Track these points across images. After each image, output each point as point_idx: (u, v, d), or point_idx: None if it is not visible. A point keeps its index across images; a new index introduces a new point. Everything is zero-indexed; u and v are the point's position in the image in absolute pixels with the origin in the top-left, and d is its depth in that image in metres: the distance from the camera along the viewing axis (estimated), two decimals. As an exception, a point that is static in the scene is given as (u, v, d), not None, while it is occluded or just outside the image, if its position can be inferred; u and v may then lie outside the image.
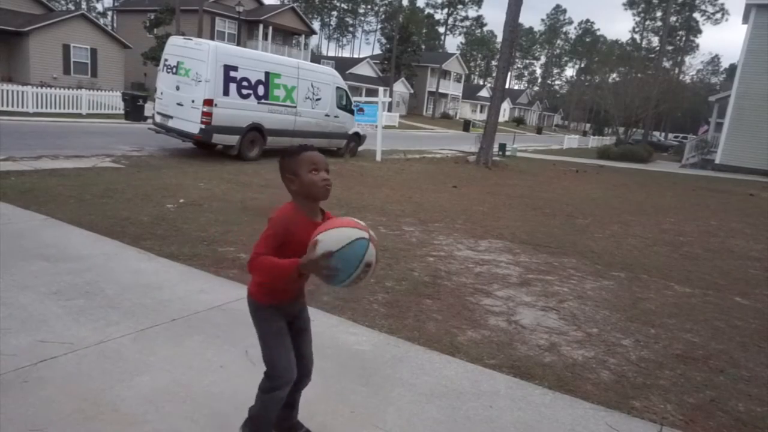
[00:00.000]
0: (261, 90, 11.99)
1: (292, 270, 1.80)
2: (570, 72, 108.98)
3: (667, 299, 4.77)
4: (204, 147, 11.93)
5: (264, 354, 2.06)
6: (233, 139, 11.56)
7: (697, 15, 66.89)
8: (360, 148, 15.77)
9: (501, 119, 25.38)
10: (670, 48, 60.56)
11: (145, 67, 32.66)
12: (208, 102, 10.87)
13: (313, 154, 1.95)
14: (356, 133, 15.28)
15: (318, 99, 13.48)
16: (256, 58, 12.28)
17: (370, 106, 16.00)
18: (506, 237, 6.69)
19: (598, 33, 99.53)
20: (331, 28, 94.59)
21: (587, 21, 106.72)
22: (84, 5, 73.80)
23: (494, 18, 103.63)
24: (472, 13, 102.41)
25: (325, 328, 3.46)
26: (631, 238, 7.45)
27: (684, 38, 67.33)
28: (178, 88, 11.38)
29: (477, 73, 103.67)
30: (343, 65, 46.54)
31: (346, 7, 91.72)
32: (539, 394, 2.87)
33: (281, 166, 2.01)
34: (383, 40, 64.47)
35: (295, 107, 12.87)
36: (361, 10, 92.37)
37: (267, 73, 12.07)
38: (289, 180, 1.97)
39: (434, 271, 4.88)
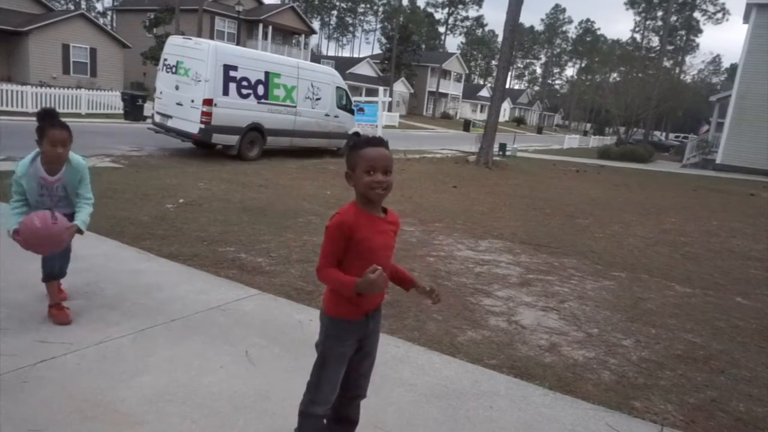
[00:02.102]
0: (261, 90, 11.98)
1: (351, 287, 1.76)
2: (570, 72, 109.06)
3: (667, 299, 4.76)
4: (204, 147, 11.93)
5: (313, 371, 2.00)
6: (233, 139, 11.55)
7: (697, 15, 66.83)
8: (360, 148, 15.75)
9: (501, 119, 25.38)
10: (670, 48, 60.55)
11: (144, 67, 32.64)
12: (208, 102, 10.86)
13: (375, 152, 1.80)
14: (356, 133, 15.26)
15: (318, 99, 13.48)
16: (256, 58, 12.28)
17: (370, 105, 15.99)
18: (506, 237, 6.69)
19: (599, 33, 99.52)
20: (330, 27, 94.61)
21: (587, 20, 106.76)
22: (83, 5, 73.79)
23: (494, 18, 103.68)
24: (472, 12, 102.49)
25: (325, 328, 3.45)
26: (631, 238, 7.45)
27: (684, 38, 67.30)
28: (177, 88, 11.37)
29: (477, 72, 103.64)
30: (343, 65, 46.54)
31: (345, 7, 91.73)
32: (539, 394, 2.86)
33: (345, 156, 1.91)
34: (383, 40, 64.48)
35: (295, 107, 12.86)
36: (361, 10, 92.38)
37: (267, 73, 12.06)
38: (347, 174, 1.90)
39: (434, 272, 4.88)
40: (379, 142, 1.84)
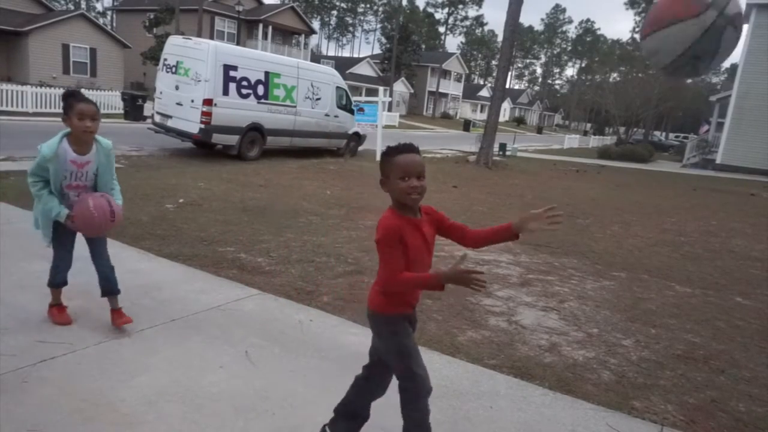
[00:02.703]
0: (261, 90, 11.98)
1: (434, 282, 1.79)
2: (570, 72, 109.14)
3: (667, 299, 4.76)
4: (204, 147, 11.93)
5: (402, 367, 2.01)
6: (233, 139, 11.55)
7: (697, 15, 66.83)
8: (360, 148, 15.77)
9: (501, 119, 25.38)
10: (670, 48, 60.42)
11: (144, 67, 32.64)
12: (208, 102, 10.86)
13: (407, 159, 1.88)
14: (356, 133, 15.27)
15: (318, 99, 13.47)
16: (256, 58, 12.28)
17: (370, 105, 15.97)
18: (506, 237, 6.68)
19: (599, 32, 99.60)
20: (330, 27, 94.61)
21: (587, 20, 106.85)
22: (83, 5, 73.78)
23: (494, 18, 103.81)
24: (472, 12, 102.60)
25: (326, 328, 3.45)
26: (631, 238, 7.45)
27: (684, 38, 67.22)
28: (177, 88, 11.37)
29: (477, 72, 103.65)
30: (343, 65, 46.53)
31: (345, 7, 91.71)
32: (540, 394, 2.86)
33: (380, 161, 1.98)
34: (383, 40, 64.49)
35: (295, 107, 12.86)
36: (361, 10, 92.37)
37: (267, 73, 12.06)
38: (381, 180, 1.98)
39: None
40: (411, 148, 1.91)
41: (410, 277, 1.85)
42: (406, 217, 1.92)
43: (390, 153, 1.92)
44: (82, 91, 14.95)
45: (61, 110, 2.89)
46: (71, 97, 2.75)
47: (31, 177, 2.82)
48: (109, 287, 3.13)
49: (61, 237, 3.01)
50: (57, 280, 3.11)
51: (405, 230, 1.89)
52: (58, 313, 3.12)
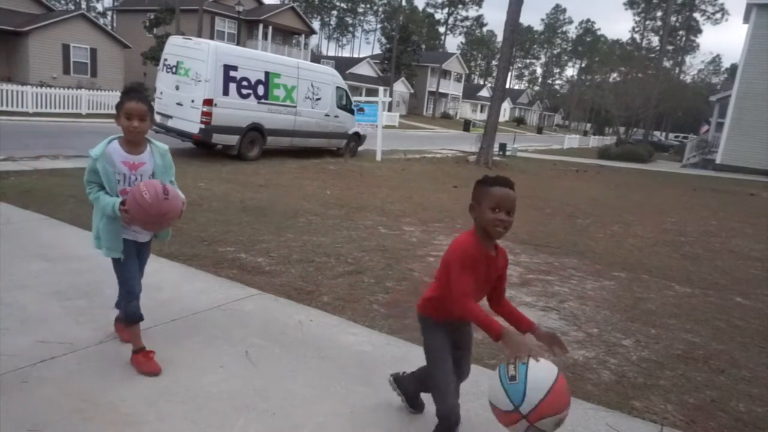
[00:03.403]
0: (261, 90, 11.99)
1: (495, 333, 1.86)
2: (570, 72, 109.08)
3: (667, 299, 4.76)
4: (204, 147, 11.93)
5: (428, 368, 2.20)
6: (233, 139, 11.55)
7: (697, 15, 66.90)
8: (360, 148, 15.77)
9: (501, 119, 25.39)
10: (670, 48, 60.52)
11: (144, 67, 32.63)
12: (208, 102, 10.86)
13: (503, 192, 1.94)
14: (356, 133, 15.27)
15: (318, 99, 13.48)
16: (256, 58, 12.28)
17: (370, 105, 15.98)
18: (506, 237, 6.67)
19: (599, 33, 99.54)
20: (330, 27, 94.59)
21: (587, 21, 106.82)
22: (84, 5, 73.75)
23: (494, 18, 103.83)
24: (472, 12, 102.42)
25: (325, 328, 3.45)
26: (631, 238, 7.45)
27: (684, 38, 67.31)
28: (177, 88, 11.37)
29: (477, 73, 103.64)
30: (343, 65, 46.53)
31: (345, 7, 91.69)
32: (540, 394, 2.86)
33: (474, 187, 2.05)
34: (383, 40, 64.46)
35: (295, 107, 12.86)
36: (361, 10, 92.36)
37: (267, 73, 12.06)
38: (471, 205, 2.04)
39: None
40: (508, 182, 1.98)
41: (476, 311, 1.89)
42: (483, 249, 2.02)
43: (487, 182, 2.00)
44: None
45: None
46: (123, 95, 2.58)
47: (86, 186, 2.61)
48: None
49: (117, 262, 2.71)
50: (131, 312, 2.66)
51: (478, 261, 1.99)
52: (144, 360, 2.67)
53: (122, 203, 2.49)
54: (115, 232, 2.65)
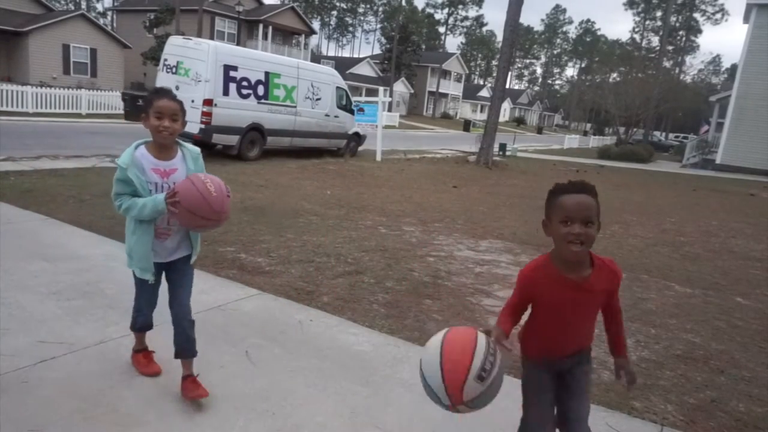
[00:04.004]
0: (261, 90, 11.99)
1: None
2: (570, 72, 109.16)
3: (667, 299, 4.76)
4: (204, 147, 11.87)
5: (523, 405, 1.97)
6: (233, 139, 11.56)
7: (697, 15, 66.96)
8: (360, 148, 15.77)
9: (501, 119, 25.38)
10: (670, 48, 60.57)
11: (144, 67, 32.63)
12: (208, 102, 10.87)
13: (574, 200, 1.63)
14: (356, 133, 15.27)
15: (318, 99, 13.48)
16: (256, 58, 12.28)
17: (370, 105, 15.99)
18: (507, 237, 6.69)
19: (599, 33, 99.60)
20: (330, 27, 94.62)
21: (587, 21, 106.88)
22: (84, 5, 73.78)
23: (494, 18, 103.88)
24: (472, 13, 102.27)
25: (325, 328, 3.45)
26: (631, 238, 7.45)
27: (684, 38, 67.35)
28: (177, 88, 11.33)
29: (477, 73, 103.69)
30: (343, 65, 46.54)
31: (345, 7, 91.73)
32: (540, 394, 2.86)
33: (546, 201, 1.75)
34: (383, 40, 64.50)
35: (295, 107, 12.87)
36: (361, 10, 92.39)
37: (267, 73, 12.07)
38: (543, 222, 1.74)
39: (434, 272, 4.88)
40: (581, 188, 1.67)
41: (500, 316, 1.79)
42: (555, 271, 1.69)
43: (556, 191, 1.68)
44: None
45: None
46: (153, 94, 2.38)
47: (115, 199, 2.33)
48: (186, 347, 2.55)
49: (137, 280, 2.59)
50: (139, 323, 2.67)
51: (544, 282, 1.70)
52: (144, 361, 2.70)
53: (170, 195, 2.21)
54: (147, 250, 2.42)
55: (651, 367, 3.34)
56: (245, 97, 11.66)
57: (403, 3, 73.51)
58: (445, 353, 1.56)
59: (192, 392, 2.47)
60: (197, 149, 2.52)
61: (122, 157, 2.30)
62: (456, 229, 6.90)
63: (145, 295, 2.62)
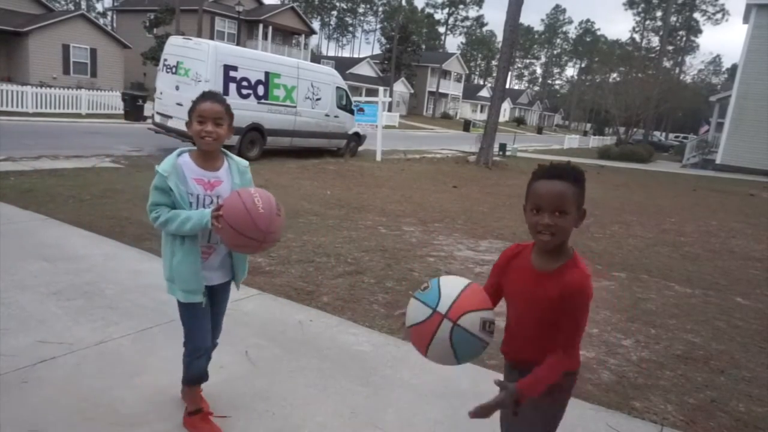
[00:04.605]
0: (261, 90, 11.99)
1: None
2: (570, 72, 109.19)
3: (667, 300, 4.76)
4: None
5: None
6: (233, 139, 11.54)
7: (697, 15, 66.95)
8: (360, 148, 15.77)
9: (501, 119, 25.39)
10: (670, 48, 60.56)
11: (144, 67, 32.63)
12: (208, 102, 10.85)
13: (546, 187, 1.49)
14: (356, 133, 15.27)
15: (318, 99, 13.48)
16: (256, 58, 12.28)
17: (370, 105, 15.99)
18: (507, 237, 6.69)
19: (599, 33, 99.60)
20: (330, 27, 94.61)
21: (587, 21, 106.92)
22: (84, 5, 73.77)
23: (494, 18, 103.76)
24: (472, 13, 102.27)
25: (325, 328, 3.45)
26: (631, 238, 7.45)
27: (684, 38, 67.35)
28: (177, 88, 11.37)
29: (477, 73, 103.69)
30: (343, 65, 46.53)
31: (345, 7, 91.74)
32: (540, 394, 2.86)
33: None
34: (383, 40, 64.48)
35: (295, 107, 12.87)
36: (361, 10, 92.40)
37: (267, 73, 12.07)
38: (524, 206, 1.60)
39: (434, 272, 4.87)
40: (558, 173, 1.50)
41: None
42: (527, 260, 1.61)
43: (533, 175, 1.55)
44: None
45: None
46: (198, 97, 2.20)
47: (151, 210, 2.08)
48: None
49: (191, 305, 2.18)
50: (192, 371, 2.24)
51: (515, 269, 1.63)
52: (202, 425, 2.26)
53: (217, 209, 1.97)
54: (195, 270, 2.12)
55: (651, 367, 3.34)
56: (245, 97, 11.66)
57: (403, 3, 73.51)
58: (469, 288, 1.56)
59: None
60: (245, 162, 2.29)
61: (163, 164, 2.09)
62: (456, 229, 6.90)
63: (200, 324, 2.20)
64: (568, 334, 1.53)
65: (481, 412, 1.52)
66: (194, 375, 2.24)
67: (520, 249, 1.67)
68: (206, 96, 2.17)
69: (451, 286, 1.55)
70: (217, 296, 2.28)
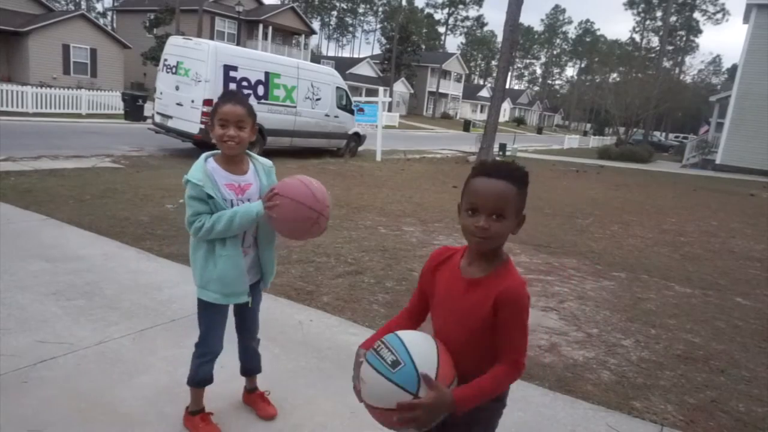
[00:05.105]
0: (261, 90, 11.99)
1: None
2: (570, 72, 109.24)
3: (667, 299, 4.76)
4: (204, 147, 11.90)
5: None
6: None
7: (697, 15, 66.97)
8: (360, 148, 15.77)
9: (501, 119, 25.38)
10: (670, 48, 60.57)
11: (144, 67, 32.66)
12: (208, 102, 10.85)
13: (483, 185, 1.36)
14: (356, 133, 15.27)
15: (318, 99, 13.48)
16: (256, 58, 12.29)
17: (370, 106, 15.99)
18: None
19: (598, 33, 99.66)
20: (330, 28, 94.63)
21: (587, 21, 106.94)
22: (84, 5, 73.79)
23: (494, 18, 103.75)
24: (472, 12, 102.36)
25: (325, 328, 3.45)
26: (631, 238, 7.45)
27: (684, 38, 67.37)
28: (177, 88, 11.37)
29: (477, 73, 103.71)
30: (343, 65, 46.54)
31: (345, 7, 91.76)
32: (539, 394, 2.86)
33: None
34: (383, 40, 64.55)
35: (295, 107, 12.87)
36: (361, 10, 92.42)
37: (267, 73, 12.07)
38: (458, 206, 1.45)
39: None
40: (501, 171, 1.36)
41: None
42: (456, 264, 1.45)
43: (472, 171, 1.41)
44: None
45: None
46: (219, 99, 2.13)
47: (194, 221, 2.04)
48: (257, 365, 2.52)
49: (212, 309, 2.19)
50: (201, 374, 2.25)
51: (444, 273, 1.49)
52: (203, 425, 2.26)
53: (269, 196, 2.00)
54: (240, 272, 2.13)
55: (651, 367, 3.34)
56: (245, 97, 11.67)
57: (403, 3, 73.50)
58: (440, 349, 1.37)
59: (264, 411, 2.44)
60: (270, 162, 2.30)
61: (193, 173, 2.05)
62: (456, 229, 6.90)
63: (218, 328, 2.23)
64: (513, 344, 1.39)
65: (407, 407, 1.26)
66: (201, 377, 2.26)
67: (450, 253, 1.51)
68: (228, 98, 2.10)
69: (425, 355, 1.32)
70: (253, 296, 2.31)
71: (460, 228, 1.40)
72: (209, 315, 2.19)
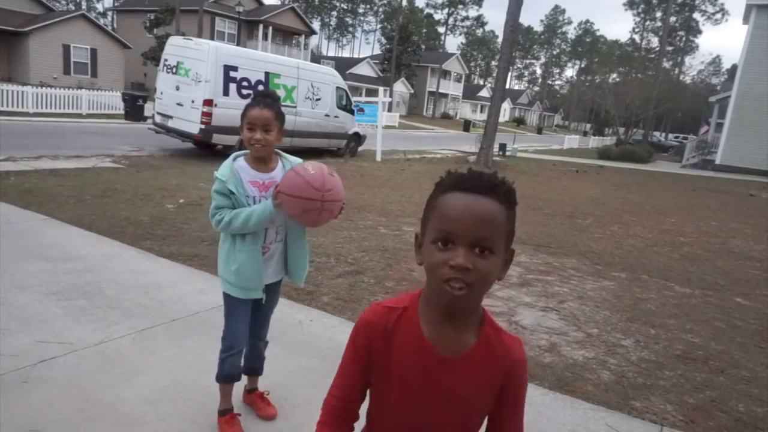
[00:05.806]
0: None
1: None
2: (570, 72, 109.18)
3: (667, 300, 4.77)
4: (204, 147, 11.93)
5: None
6: (233, 140, 11.52)
7: (697, 15, 67.01)
8: (360, 148, 15.77)
9: (501, 119, 25.39)
10: (670, 48, 60.57)
11: (145, 67, 32.65)
12: (208, 102, 10.87)
13: (460, 203, 0.90)
14: (356, 133, 15.27)
15: (318, 99, 13.48)
16: (256, 58, 12.29)
17: (370, 106, 15.99)
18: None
19: (598, 33, 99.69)
20: (331, 28, 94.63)
21: (587, 21, 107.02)
22: (84, 5, 73.81)
23: (494, 18, 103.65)
24: (472, 12, 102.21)
25: (325, 328, 3.46)
26: (631, 238, 7.45)
27: (684, 39, 67.39)
28: (178, 88, 11.37)
29: (477, 73, 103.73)
30: (343, 65, 46.53)
31: (345, 7, 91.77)
32: (539, 394, 2.86)
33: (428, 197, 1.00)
34: (383, 40, 64.54)
35: (295, 107, 12.87)
36: (361, 10, 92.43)
37: (267, 73, 12.07)
38: (416, 236, 1.01)
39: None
40: (483, 185, 0.92)
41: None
42: (410, 325, 1.01)
43: (437, 186, 0.98)
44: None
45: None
46: (250, 101, 2.21)
47: (215, 213, 2.14)
48: (259, 366, 2.54)
49: (234, 302, 2.23)
50: (226, 369, 2.25)
51: (391, 348, 1.03)
52: (226, 426, 2.27)
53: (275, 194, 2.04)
54: (258, 268, 2.20)
55: (651, 367, 3.34)
56: (245, 97, 11.65)
57: (404, 3, 73.50)
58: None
59: (264, 411, 2.46)
60: (299, 160, 2.28)
61: (221, 170, 2.16)
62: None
63: (242, 323, 2.25)
64: (519, 423, 1.08)
65: None
66: (226, 372, 2.26)
67: (394, 315, 1.04)
68: (257, 101, 2.17)
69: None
70: (268, 295, 2.33)
71: (425, 270, 0.95)
72: (231, 308, 2.24)
